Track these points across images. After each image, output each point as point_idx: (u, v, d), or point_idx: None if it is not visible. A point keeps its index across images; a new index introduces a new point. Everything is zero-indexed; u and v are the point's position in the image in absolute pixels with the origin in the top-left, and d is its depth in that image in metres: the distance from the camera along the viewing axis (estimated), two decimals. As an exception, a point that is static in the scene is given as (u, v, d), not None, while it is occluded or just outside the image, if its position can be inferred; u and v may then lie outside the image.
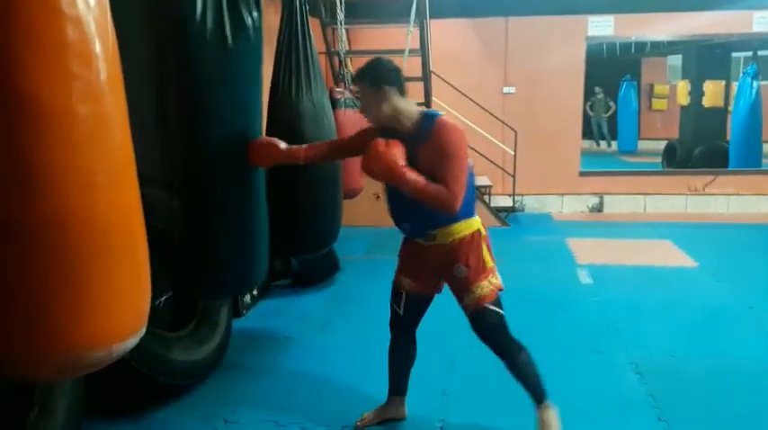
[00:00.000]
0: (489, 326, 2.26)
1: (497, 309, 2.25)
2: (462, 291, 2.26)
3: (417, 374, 2.91)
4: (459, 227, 2.22)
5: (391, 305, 2.47)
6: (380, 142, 2.09)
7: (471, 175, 2.21)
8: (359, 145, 2.30)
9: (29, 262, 1.46)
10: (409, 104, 2.21)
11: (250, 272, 2.73)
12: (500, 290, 2.28)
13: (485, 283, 2.23)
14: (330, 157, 2.67)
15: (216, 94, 2.47)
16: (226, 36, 2.42)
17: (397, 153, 2.07)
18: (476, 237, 2.24)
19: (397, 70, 2.20)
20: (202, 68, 2.41)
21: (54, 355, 1.53)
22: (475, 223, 2.26)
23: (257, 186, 2.68)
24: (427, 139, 2.10)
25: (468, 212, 2.22)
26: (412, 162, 2.09)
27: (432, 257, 2.29)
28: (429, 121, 2.13)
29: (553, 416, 2.34)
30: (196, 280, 2.68)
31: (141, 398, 2.69)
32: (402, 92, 2.18)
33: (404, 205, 2.22)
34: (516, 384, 2.33)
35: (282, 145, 2.48)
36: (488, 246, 2.29)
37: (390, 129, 2.19)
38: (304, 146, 2.54)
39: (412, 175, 2.06)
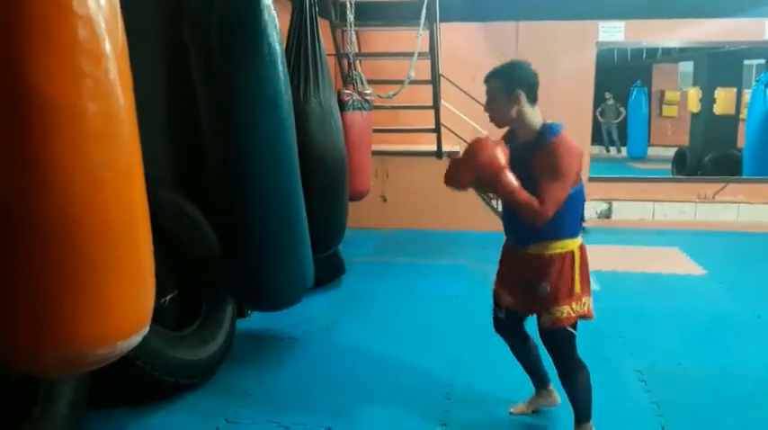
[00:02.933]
0: (557, 344, 2.28)
1: (570, 330, 2.24)
2: (542, 309, 2.25)
3: (419, 374, 2.92)
4: (556, 244, 2.20)
5: (493, 311, 2.49)
6: (488, 139, 2.11)
7: (580, 195, 2.20)
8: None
9: (35, 257, 1.47)
10: (535, 114, 2.19)
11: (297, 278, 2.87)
12: (583, 317, 2.25)
13: (566, 308, 2.21)
14: None
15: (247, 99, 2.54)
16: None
17: (501, 152, 2.07)
18: (568, 258, 2.21)
19: (533, 76, 2.20)
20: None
21: (58, 351, 1.54)
22: (572, 244, 2.22)
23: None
24: (542, 151, 2.11)
25: (569, 232, 2.21)
26: (524, 169, 2.10)
27: (522, 266, 2.29)
28: (550, 134, 2.13)
29: None
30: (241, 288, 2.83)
31: (144, 395, 2.70)
32: (533, 99, 2.18)
33: (509, 216, 2.26)
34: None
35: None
36: (582, 271, 2.24)
37: (513, 135, 2.24)
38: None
39: (509, 177, 2.06)
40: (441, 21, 5.71)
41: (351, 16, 4.49)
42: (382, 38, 6.56)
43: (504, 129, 2.33)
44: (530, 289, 2.27)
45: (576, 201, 2.17)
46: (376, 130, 4.96)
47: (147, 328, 1.73)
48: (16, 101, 1.41)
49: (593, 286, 4.47)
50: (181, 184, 3.05)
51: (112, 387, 2.55)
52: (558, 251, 2.20)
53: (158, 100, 3.01)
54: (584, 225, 2.30)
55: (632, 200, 7.11)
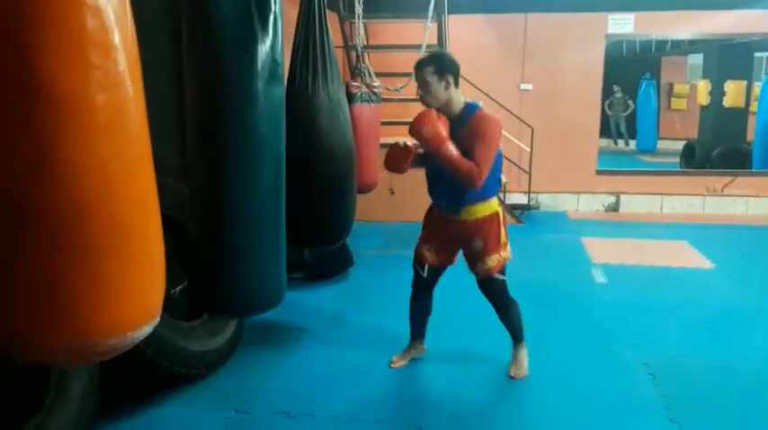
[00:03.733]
0: (494, 290, 2.74)
1: (501, 277, 2.72)
2: (476, 260, 2.70)
3: (427, 365, 2.93)
4: (483, 206, 2.63)
5: (414, 268, 2.90)
6: (433, 112, 2.51)
7: (500, 157, 2.59)
8: None
9: (44, 248, 1.48)
10: (458, 94, 2.60)
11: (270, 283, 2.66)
12: (507, 260, 2.72)
13: (495, 256, 2.67)
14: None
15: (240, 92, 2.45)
16: (254, 32, 2.41)
17: (442, 124, 2.47)
18: (495, 218, 2.67)
19: (457, 63, 2.60)
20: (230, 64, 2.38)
21: (69, 341, 1.55)
22: (494, 204, 2.67)
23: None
24: (468, 124, 2.52)
25: (490, 193, 2.64)
26: (457, 139, 2.47)
27: (454, 231, 2.71)
28: (471, 110, 2.57)
29: (524, 351, 2.88)
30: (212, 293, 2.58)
31: (154, 386, 2.73)
32: (456, 83, 2.57)
33: (443, 184, 2.62)
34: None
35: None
36: (504, 224, 2.70)
37: (441, 113, 2.58)
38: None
39: (450, 146, 2.45)
40: (449, 13, 5.69)
41: (359, 8, 4.47)
42: (390, 30, 6.54)
43: None
44: (460, 245, 2.75)
45: (496, 165, 2.58)
46: (384, 123, 4.95)
47: (158, 319, 1.74)
48: (25, 92, 1.41)
49: (600, 279, 4.52)
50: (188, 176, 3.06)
51: (123, 377, 2.58)
52: (488, 213, 2.65)
53: (166, 93, 3.02)
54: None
55: (640, 193, 7.08)
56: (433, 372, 2.96)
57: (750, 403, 2.69)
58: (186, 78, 2.56)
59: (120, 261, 1.58)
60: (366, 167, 4.25)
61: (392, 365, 2.98)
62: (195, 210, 2.60)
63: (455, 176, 2.48)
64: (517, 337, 2.88)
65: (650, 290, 4.26)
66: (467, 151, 2.46)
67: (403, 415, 2.60)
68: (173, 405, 2.67)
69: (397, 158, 2.69)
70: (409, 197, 6.26)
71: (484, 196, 2.62)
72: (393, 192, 6.16)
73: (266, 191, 2.50)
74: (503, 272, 2.72)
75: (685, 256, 5.17)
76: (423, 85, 2.54)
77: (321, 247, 4.12)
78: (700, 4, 6.57)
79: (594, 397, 2.70)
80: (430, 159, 2.60)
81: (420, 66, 2.55)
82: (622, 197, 7.12)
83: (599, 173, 7.17)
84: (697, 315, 3.77)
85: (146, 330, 1.70)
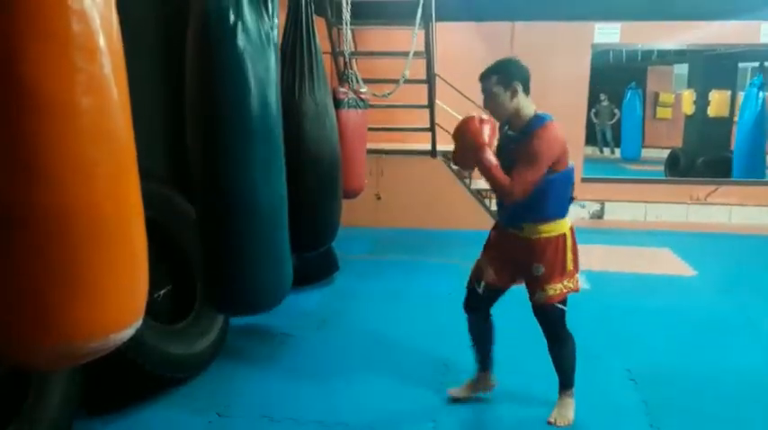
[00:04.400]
0: (551, 321, 2.47)
1: (561, 307, 2.44)
2: (536, 287, 2.43)
3: (411, 371, 2.94)
4: (548, 227, 2.37)
5: (470, 286, 2.61)
6: (476, 118, 2.30)
7: (567, 177, 2.36)
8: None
9: (27, 250, 1.47)
10: (528, 105, 2.37)
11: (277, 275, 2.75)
12: (573, 291, 2.44)
13: (558, 286, 2.40)
14: None
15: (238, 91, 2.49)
16: (257, 34, 2.47)
17: (487, 131, 2.28)
18: (560, 240, 2.38)
19: (525, 70, 2.38)
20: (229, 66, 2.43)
21: (50, 344, 1.55)
22: (563, 226, 2.40)
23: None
24: (527, 137, 2.30)
25: (556, 213, 2.37)
26: (513, 154, 2.28)
27: (515, 249, 2.45)
28: (538, 123, 2.32)
29: (571, 403, 2.57)
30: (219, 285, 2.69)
31: (136, 389, 2.71)
32: (526, 91, 2.35)
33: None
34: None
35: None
36: (573, 251, 2.42)
37: (509, 125, 2.42)
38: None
39: (488, 153, 2.27)
40: (436, 20, 5.73)
41: (347, 14, 4.50)
42: (378, 36, 6.57)
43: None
44: (521, 268, 2.46)
45: (561, 184, 2.34)
46: (371, 129, 4.98)
47: (140, 322, 1.74)
48: (8, 95, 1.41)
49: (584, 285, 4.55)
50: (175, 180, 3.06)
51: (105, 381, 2.56)
52: (553, 234, 2.37)
53: (153, 97, 3.02)
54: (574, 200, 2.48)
55: (625, 201, 7.15)
56: (416, 382, 2.97)
57: (731, 409, 2.72)
58: (193, 82, 2.56)
59: (103, 264, 1.58)
60: (352, 172, 4.28)
61: (453, 394, 2.72)
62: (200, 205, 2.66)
63: (491, 187, 2.34)
64: (566, 381, 2.56)
65: (633, 296, 4.30)
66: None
67: (385, 420, 2.61)
68: (155, 408, 2.66)
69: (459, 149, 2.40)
70: (395, 202, 6.29)
71: (547, 215, 2.35)
72: (379, 198, 6.18)
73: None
74: (564, 302, 2.44)
75: (668, 264, 5.23)
76: (488, 95, 2.36)
77: (306, 251, 4.12)
78: (685, 15, 6.67)
79: (576, 402, 2.72)
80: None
81: (485, 75, 2.38)
82: (607, 205, 7.19)
83: (584, 180, 7.23)
84: (679, 322, 3.82)
85: (128, 333, 1.70)
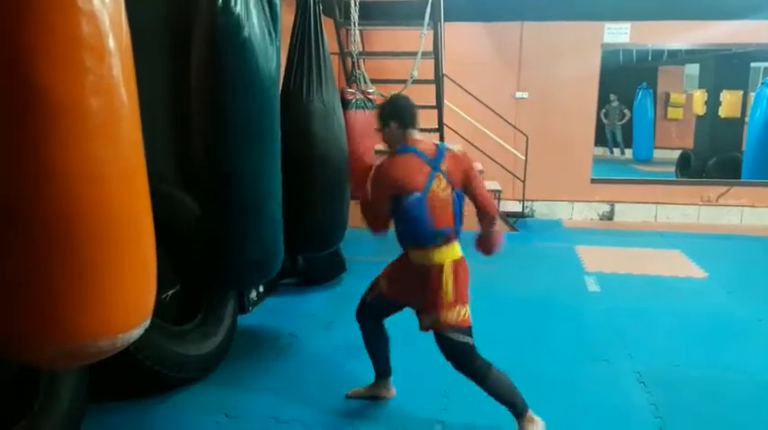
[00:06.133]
0: (449, 352, 2.41)
1: (456, 337, 2.37)
2: (421, 313, 2.45)
3: (418, 374, 2.93)
4: (420, 254, 2.41)
5: (363, 295, 2.68)
6: (358, 171, 2.65)
7: (414, 204, 2.32)
8: None
9: (37, 251, 1.48)
10: (402, 136, 2.45)
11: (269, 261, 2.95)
12: (456, 324, 2.36)
13: (446, 312, 2.35)
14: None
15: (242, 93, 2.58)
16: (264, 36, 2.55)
17: (369, 179, 2.46)
18: (435, 271, 2.37)
19: (404, 108, 2.48)
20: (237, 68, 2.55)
21: (59, 343, 1.56)
22: (432, 256, 2.38)
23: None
24: None
25: (416, 242, 2.40)
26: None
27: (409, 271, 2.48)
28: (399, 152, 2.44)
29: (535, 426, 2.40)
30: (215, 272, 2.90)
31: (144, 389, 2.72)
32: (404, 126, 2.44)
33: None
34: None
35: None
36: (454, 281, 2.36)
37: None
38: None
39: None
40: (445, 20, 5.71)
41: (355, 15, 4.50)
42: (386, 37, 6.56)
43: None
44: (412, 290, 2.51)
45: (409, 212, 2.34)
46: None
47: (149, 322, 1.75)
48: (19, 96, 1.42)
49: (593, 287, 4.51)
50: (182, 181, 3.07)
51: (114, 380, 2.58)
52: (426, 263, 2.40)
53: (161, 98, 3.03)
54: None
55: (635, 202, 7.11)
56: (423, 381, 2.96)
57: (740, 412, 2.69)
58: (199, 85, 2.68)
59: (112, 264, 1.59)
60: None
61: (349, 395, 2.78)
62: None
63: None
64: (514, 410, 2.41)
65: (643, 298, 4.27)
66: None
67: (392, 421, 2.60)
68: (163, 408, 2.67)
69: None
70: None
71: (413, 242, 2.42)
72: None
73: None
74: (464, 333, 2.37)
75: (679, 266, 5.18)
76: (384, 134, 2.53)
77: (314, 253, 4.13)
78: (696, 15, 6.61)
79: (585, 404, 2.71)
80: None
81: (379, 119, 2.53)
82: (617, 206, 7.15)
83: (594, 181, 7.20)
84: (689, 324, 3.78)
85: (136, 333, 1.71)
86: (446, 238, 2.37)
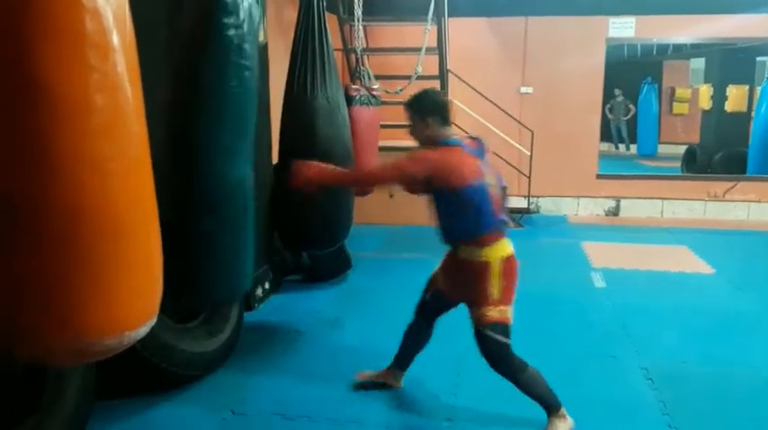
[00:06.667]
0: (487, 351, 2.39)
1: (498, 337, 2.35)
2: (469, 307, 2.42)
3: (427, 371, 2.93)
4: (471, 251, 2.37)
5: (422, 293, 2.70)
6: (298, 165, 2.55)
7: (475, 195, 2.30)
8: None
9: (42, 248, 1.48)
10: (439, 132, 2.41)
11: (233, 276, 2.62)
12: (499, 321, 2.35)
13: (485, 310, 2.35)
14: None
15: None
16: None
17: (316, 169, 2.56)
18: (484, 267, 2.35)
19: (440, 103, 2.45)
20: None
21: (65, 341, 1.56)
22: (486, 253, 2.35)
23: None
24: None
25: (476, 234, 2.35)
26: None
27: (452, 267, 2.51)
28: (437, 145, 2.40)
29: (565, 424, 2.42)
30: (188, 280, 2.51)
31: (151, 387, 2.72)
32: (443, 120, 2.42)
33: (434, 214, 2.45)
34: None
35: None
36: (502, 279, 2.35)
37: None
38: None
39: (326, 174, 2.58)
40: (449, 16, 5.70)
41: (358, 11, 4.49)
42: (390, 33, 6.55)
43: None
44: (458, 286, 2.51)
45: (474, 204, 2.31)
46: (383, 126, 4.96)
47: (155, 320, 1.74)
48: (23, 93, 1.42)
49: (600, 283, 4.50)
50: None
51: (119, 378, 2.58)
52: (475, 259, 2.37)
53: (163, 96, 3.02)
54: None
55: (641, 197, 7.08)
56: (431, 378, 2.95)
57: (749, 409, 2.68)
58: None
59: (118, 261, 1.58)
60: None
61: (359, 376, 2.84)
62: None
63: (354, 186, 2.54)
64: (549, 408, 2.43)
65: (650, 294, 4.25)
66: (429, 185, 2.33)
67: (399, 419, 2.60)
68: (169, 406, 2.67)
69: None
70: (408, 200, 6.25)
71: (468, 237, 2.37)
72: (392, 196, 6.16)
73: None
74: (503, 332, 2.35)
75: (685, 261, 5.16)
76: (408, 122, 2.50)
77: (319, 250, 4.13)
78: (701, 9, 6.57)
79: (592, 401, 2.70)
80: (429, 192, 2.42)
81: (405, 106, 2.51)
82: (623, 201, 7.12)
83: (599, 177, 7.17)
84: (697, 320, 3.76)
85: (143, 331, 1.71)
86: (500, 231, 2.38)
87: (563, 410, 2.43)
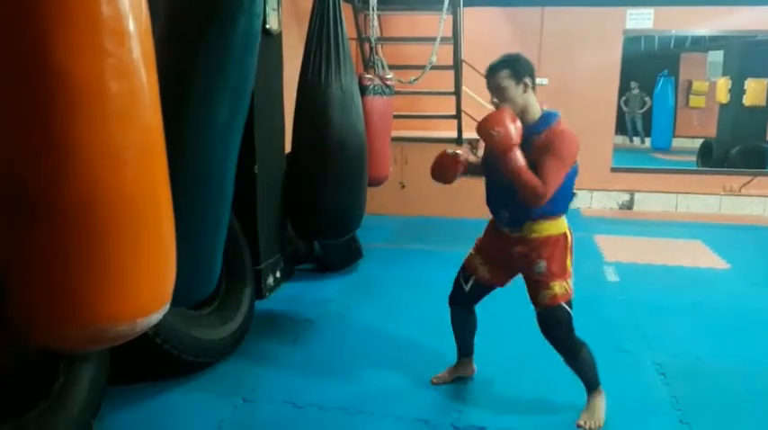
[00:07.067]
0: (556, 323, 2.36)
1: (568, 308, 2.36)
2: (539, 287, 2.36)
3: (434, 360, 2.92)
4: (550, 225, 2.33)
5: (457, 281, 2.61)
6: (508, 112, 2.19)
7: (575, 173, 2.30)
8: None
9: (56, 235, 1.49)
10: (534, 100, 2.31)
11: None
12: (571, 294, 2.38)
13: (564, 283, 2.35)
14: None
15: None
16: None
17: (516, 128, 2.17)
18: (561, 239, 2.36)
19: (533, 66, 2.32)
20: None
21: (79, 327, 1.56)
22: (564, 224, 2.37)
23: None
24: (542, 135, 2.24)
25: (560, 209, 2.34)
26: (524, 152, 2.19)
27: (515, 249, 2.40)
28: (548, 120, 2.28)
29: (600, 404, 2.48)
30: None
31: (162, 373, 2.75)
32: (533, 87, 2.29)
33: (505, 193, 2.29)
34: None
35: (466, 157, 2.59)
36: (571, 250, 2.39)
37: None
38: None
39: (518, 153, 2.16)
40: (464, 5, 5.63)
41: (373, 0, 4.45)
42: (404, 22, 6.50)
43: None
44: (519, 268, 2.44)
45: (570, 181, 2.30)
46: (396, 116, 4.93)
47: (168, 307, 1.75)
48: (39, 79, 1.42)
49: (612, 277, 4.46)
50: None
51: (132, 365, 2.60)
52: (555, 233, 2.34)
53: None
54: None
55: (655, 191, 7.00)
56: (441, 370, 2.95)
57: (762, 406, 2.65)
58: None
59: (132, 248, 1.59)
60: (377, 160, 4.25)
61: (434, 381, 2.78)
62: None
63: (518, 189, 2.21)
64: (590, 386, 2.48)
65: (663, 289, 4.21)
66: (535, 164, 2.18)
67: (410, 408, 2.60)
68: (180, 392, 2.69)
69: (443, 167, 2.52)
70: (420, 191, 6.25)
71: (552, 212, 2.30)
72: (404, 186, 6.14)
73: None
74: (570, 304, 2.36)
75: (700, 256, 5.10)
76: (498, 90, 2.27)
77: (331, 239, 4.13)
78: (722, 0, 6.45)
79: (605, 395, 2.68)
80: (492, 167, 2.31)
81: (494, 69, 2.28)
82: (637, 195, 7.05)
83: (614, 170, 7.10)
84: (711, 315, 3.72)
85: (155, 317, 1.71)
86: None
87: (601, 387, 2.49)
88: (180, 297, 2.06)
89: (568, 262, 2.37)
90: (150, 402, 2.61)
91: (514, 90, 2.24)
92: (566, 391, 2.62)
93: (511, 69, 2.25)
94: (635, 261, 4.88)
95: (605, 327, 3.50)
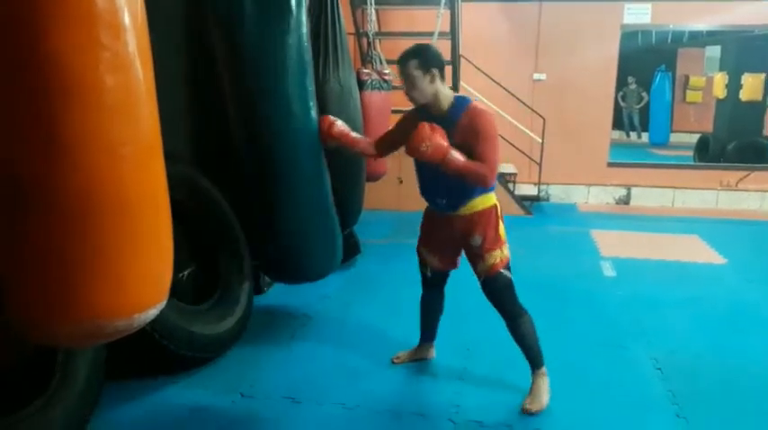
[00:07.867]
0: (499, 289, 2.50)
1: (507, 274, 2.51)
2: (478, 258, 2.50)
3: (435, 356, 2.93)
4: (480, 201, 2.47)
5: (420, 270, 2.79)
6: (426, 126, 2.31)
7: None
8: (402, 133, 2.52)
9: (53, 230, 1.48)
10: (445, 88, 2.43)
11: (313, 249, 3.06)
12: (508, 260, 2.53)
13: (497, 253, 2.48)
14: (386, 152, 2.83)
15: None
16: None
17: (442, 135, 2.31)
18: (492, 211, 2.50)
19: (442, 57, 2.44)
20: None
21: (76, 322, 1.56)
22: (492, 198, 2.51)
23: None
24: (461, 121, 2.35)
25: (493, 186, 2.48)
26: (451, 135, 2.33)
27: (452, 229, 2.54)
28: (462, 105, 2.38)
29: (544, 386, 2.56)
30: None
31: (160, 369, 2.74)
32: (442, 77, 2.40)
33: (438, 182, 2.45)
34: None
35: (344, 128, 2.81)
36: (501, 219, 2.54)
37: (426, 110, 2.43)
38: (366, 138, 2.89)
39: (456, 154, 2.30)
40: (462, 0, 5.62)
41: (371, -6, 4.43)
42: (402, 17, 6.48)
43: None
44: (460, 243, 2.57)
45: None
46: (394, 111, 4.92)
47: (165, 302, 1.74)
48: (35, 72, 1.41)
49: (609, 272, 4.47)
50: (198, 162, 3.06)
51: (129, 360, 2.59)
52: (486, 206, 2.48)
53: (174, 77, 3.01)
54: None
55: (652, 186, 7.01)
56: (439, 366, 2.96)
57: (758, 401, 2.66)
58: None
59: (129, 243, 1.58)
60: (376, 155, 4.23)
61: (395, 360, 2.91)
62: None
63: (464, 180, 2.35)
64: (534, 361, 2.57)
65: (660, 284, 4.22)
66: (462, 147, 2.31)
67: (407, 404, 2.60)
68: (178, 388, 2.69)
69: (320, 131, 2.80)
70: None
71: (486, 190, 2.46)
72: (402, 181, 6.14)
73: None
74: (508, 269, 2.51)
75: (697, 251, 5.11)
76: (407, 78, 2.38)
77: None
78: (719, -5, 6.45)
79: (601, 391, 2.69)
80: (421, 161, 2.43)
81: (404, 59, 2.38)
82: (633, 190, 7.06)
83: (610, 165, 7.11)
84: (707, 310, 3.73)
85: (153, 313, 1.71)
86: None
87: (544, 368, 2.58)
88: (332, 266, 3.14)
89: (501, 230, 2.51)
90: (148, 398, 2.60)
91: (422, 79, 2.35)
92: (561, 386, 2.63)
93: (419, 60, 2.35)
94: (632, 256, 4.89)
95: (602, 322, 3.51)
